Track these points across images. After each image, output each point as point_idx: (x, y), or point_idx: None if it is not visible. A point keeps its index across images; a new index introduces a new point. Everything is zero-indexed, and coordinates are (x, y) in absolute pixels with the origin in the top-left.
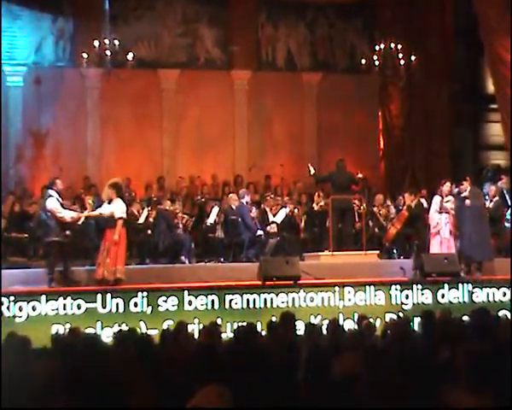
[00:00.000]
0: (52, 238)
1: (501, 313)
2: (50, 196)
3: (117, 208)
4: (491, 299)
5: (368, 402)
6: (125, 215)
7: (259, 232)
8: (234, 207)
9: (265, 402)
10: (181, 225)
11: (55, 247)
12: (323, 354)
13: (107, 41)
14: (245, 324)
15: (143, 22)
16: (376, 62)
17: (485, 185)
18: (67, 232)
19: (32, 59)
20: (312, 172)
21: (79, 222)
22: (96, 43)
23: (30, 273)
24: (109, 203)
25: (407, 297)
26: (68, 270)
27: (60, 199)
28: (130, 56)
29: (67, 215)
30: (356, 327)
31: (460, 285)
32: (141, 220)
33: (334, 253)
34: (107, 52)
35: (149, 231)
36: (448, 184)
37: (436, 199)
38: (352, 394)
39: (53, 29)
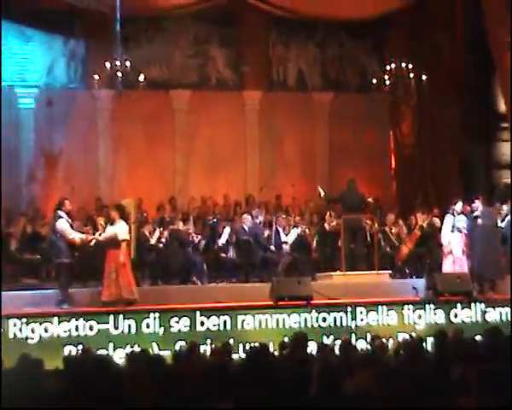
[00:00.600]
0: (62, 260)
1: None
2: (60, 217)
3: (120, 230)
4: (504, 318)
5: None
6: (128, 237)
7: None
8: (246, 227)
9: None
10: (193, 246)
11: (66, 268)
12: (335, 373)
13: (118, 62)
14: (257, 344)
15: (155, 43)
16: (387, 81)
17: (497, 204)
18: (76, 254)
19: (43, 81)
20: (322, 194)
21: (91, 244)
22: (108, 64)
23: (42, 295)
24: (112, 225)
25: (420, 317)
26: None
27: (69, 220)
28: (141, 77)
29: (77, 237)
30: (368, 347)
31: (473, 305)
32: (152, 241)
33: (346, 273)
34: (119, 73)
35: (161, 252)
36: (460, 203)
37: (448, 218)
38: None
39: (64, 51)
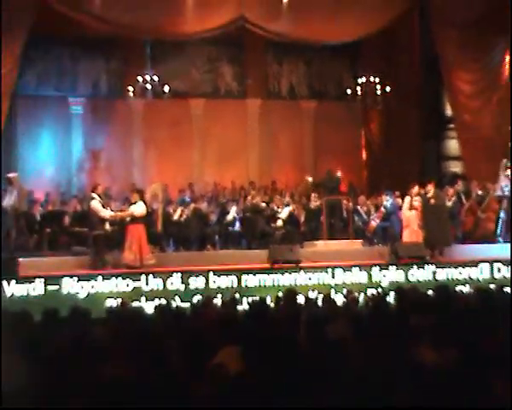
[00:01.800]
0: (96, 231)
1: (457, 288)
2: (93, 198)
3: (139, 209)
4: (450, 277)
5: (354, 357)
6: (143, 213)
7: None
8: (248, 206)
9: (272, 359)
10: (207, 221)
11: (99, 238)
12: (319, 320)
13: (148, 77)
14: (257, 298)
15: (177, 61)
16: (359, 92)
17: (445, 187)
18: (107, 227)
19: (89, 91)
20: (310, 180)
21: (117, 219)
22: (140, 78)
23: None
24: (133, 204)
25: (384, 276)
26: (100, 256)
27: (101, 200)
28: (166, 89)
29: (106, 214)
30: (344, 300)
31: (426, 266)
32: (175, 217)
33: (327, 242)
34: (149, 85)
35: (182, 225)
36: (416, 187)
37: (407, 199)
38: (341, 350)
39: (106, 67)
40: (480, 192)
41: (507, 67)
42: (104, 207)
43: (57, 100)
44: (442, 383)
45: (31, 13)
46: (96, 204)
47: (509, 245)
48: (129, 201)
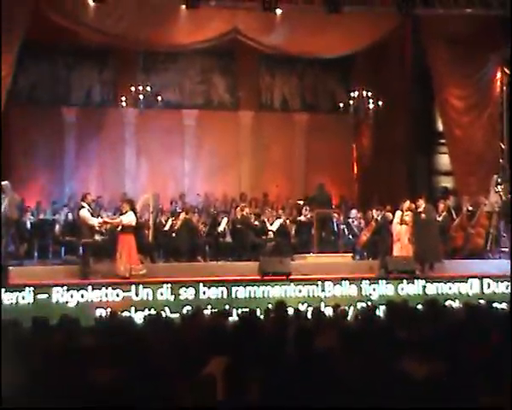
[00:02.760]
0: (85, 240)
1: (447, 303)
2: (82, 206)
3: (129, 219)
4: (439, 292)
5: (342, 369)
6: (133, 223)
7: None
8: (239, 217)
9: (262, 369)
10: (197, 232)
11: (88, 247)
12: (308, 332)
13: (141, 87)
14: (247, 310)
15: (170, 72)
16: (351, 105)
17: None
18: (96, 236)
19: (83, 100)
20: (301, 202)
21: (106, 227)
22: (133, 88)
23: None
24: (123, 214)
25: (374, 290)
26: (88, 265)
27: (90, 209)
28: (159, 99)
29: (95, 222)
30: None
31: (416, 281)
32: (166, 228)
33: (318, 254)
34: (141, 95)
35: (173, 236)
36: (408, 202)
37: (398, 213)
38: (329, 362)
39: (99, 77)
40: (470, 207)
41: (498, 83)
42: (93, 217)
43: (50, 108)
44: (429, 396)
45: (25, 20)
46: (84, 213)
47: (498, 261)
48: (119, 211)
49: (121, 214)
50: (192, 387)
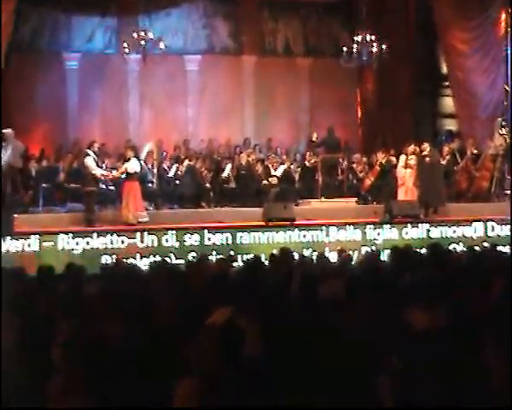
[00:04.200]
0: (89, 188)
1: (451, 247)
2: (88, 154)
3: (133, 165)
4: (443, 235)
5: (346, 318)
6: (137, 170)
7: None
8: (243, 163)
9: (266, 318)
10: (201, 178)
11: (92, 194)
12: (313, 278)
13: (143, 32)
14: (252, 256)
15: (172, 17)
16: (355, 49)
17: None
18: (103, 184)
19: (85, 47)
20: (314, 139)
21: (109, 178)
22: (135, 34)
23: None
24: (126, 161)
25: (378, 234)
26: (93, 212)
27: (96, 157)
28: (162, 45)
29: (98, 173)
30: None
31: (420, 225)
32: (171, 174)
33: (322, 200)
34: (143, 41)
35: (177, 182)
36: (412, 145)
37: (402, 157)
38: (334, 311)
39: (101, 23)
40: (475, 151)
41: (502, 24)
42: (99, 165)
43: (52, 55)
44: (433, 343)
45: None
46: (89, 161)
47: (502, 204)
48: (123, 157)
49: (125, 161)
50: (197, 336)
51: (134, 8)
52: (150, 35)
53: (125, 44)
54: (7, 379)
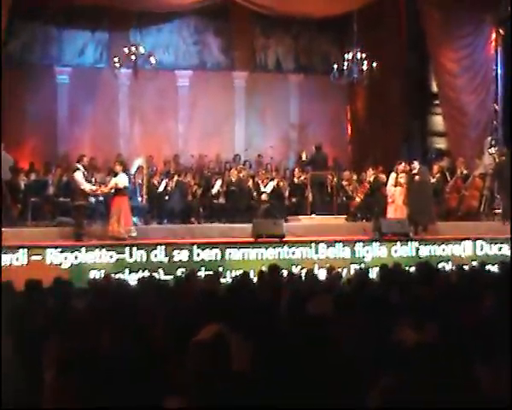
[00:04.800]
0: (78, 202)
1: (440, 266)
2: (78, 168)
3: (121, 180)
4: (432, 254)
5: (335, 334)
6: (126, 184)
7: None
8: (233, 179)
9: (255, 334)
10: (191, 193)
11: (81, 209)
12: (301, 295)
13: (134, 47)
14: (241, 272)
15: (164, 32)
16: (345, 67)
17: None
18: (90, 198)
19: (76, 61)
20: (304, 158)
21: (98, 193)
22: (126, 49)
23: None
24: (115, 176)
25: (367, 252)
26: (82, 227)
27: (85, 172)
28: (153, 60)
29: (87, 188)
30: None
31: (409, 243)
32: (160, 189)
33: (311, 216)
34: (134, 56)
35: (167, 198)
36: (402, 163)
37: (392, 175)
38: (323, 327)
39: (92, 38)
40: (464, 170)
41: (492, 44)
42: (88, 179)
43: (43, 69)
44: (423, 361)
45: None
46: (78, 176)
47: (492, 223)
48: (113, 171)
49: (114, 176)
50: (185, 352)
51: (125, 23)
52: (141, 50)
53: (116, 59)
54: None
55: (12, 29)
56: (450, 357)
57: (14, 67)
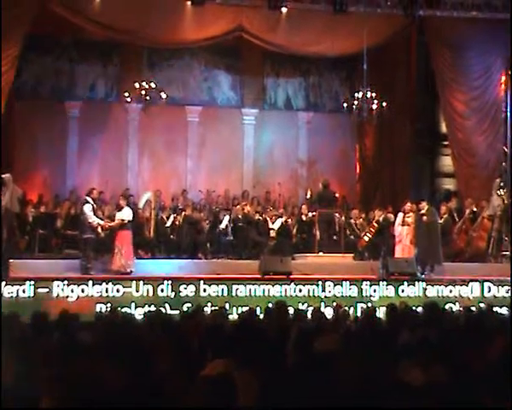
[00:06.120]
0: (87, 235)
1: (447, 306)
2: (87, 202)
3: (126, 215)
4: (440, 294)
5: (343, 373)
6: (130, 218)
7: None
8: (240, 216)
9: (261, 371)
10: (199, 228)
11: (90, 242)
12: (308, 333)
13: (145, 83)
14: (247, 308)
15: (174, 69)
16: (355, 105)
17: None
18: (99, 231)
19: (86, 95)
20: (309, 196)
21: (106, 227)
22: (137, 84)
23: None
24: (119, 211)
25: (375, 291)
26: (89, 260)
27: (94, 205)
28: (163, 95)
29: (95, 222)
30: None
31: (416, 283)
32: (168, 224)
33: (319, 254)
34: (144, 92)
35: (175, 233)
36: (409, 203)
37: (400, 215)
38: (330, 366)
39: (104, 72)
40: (473, 210)
41: (502, 86)
42: (96, 213)
43: (54, 102)
44: (430, 402)
45: (30, 14)
46: (87, 208)
47: (500, 264)
48: (119, 206)
49: (119, 211)
50: (191, 387)
51: (136, 59)
52: (152, 85)
53: (127, 94)
54: None
55: (24, 62)
56: (457, 399)
57: (25, 99)
